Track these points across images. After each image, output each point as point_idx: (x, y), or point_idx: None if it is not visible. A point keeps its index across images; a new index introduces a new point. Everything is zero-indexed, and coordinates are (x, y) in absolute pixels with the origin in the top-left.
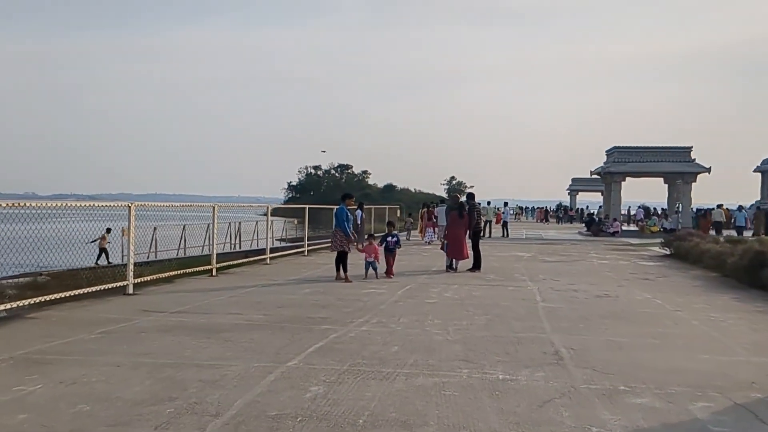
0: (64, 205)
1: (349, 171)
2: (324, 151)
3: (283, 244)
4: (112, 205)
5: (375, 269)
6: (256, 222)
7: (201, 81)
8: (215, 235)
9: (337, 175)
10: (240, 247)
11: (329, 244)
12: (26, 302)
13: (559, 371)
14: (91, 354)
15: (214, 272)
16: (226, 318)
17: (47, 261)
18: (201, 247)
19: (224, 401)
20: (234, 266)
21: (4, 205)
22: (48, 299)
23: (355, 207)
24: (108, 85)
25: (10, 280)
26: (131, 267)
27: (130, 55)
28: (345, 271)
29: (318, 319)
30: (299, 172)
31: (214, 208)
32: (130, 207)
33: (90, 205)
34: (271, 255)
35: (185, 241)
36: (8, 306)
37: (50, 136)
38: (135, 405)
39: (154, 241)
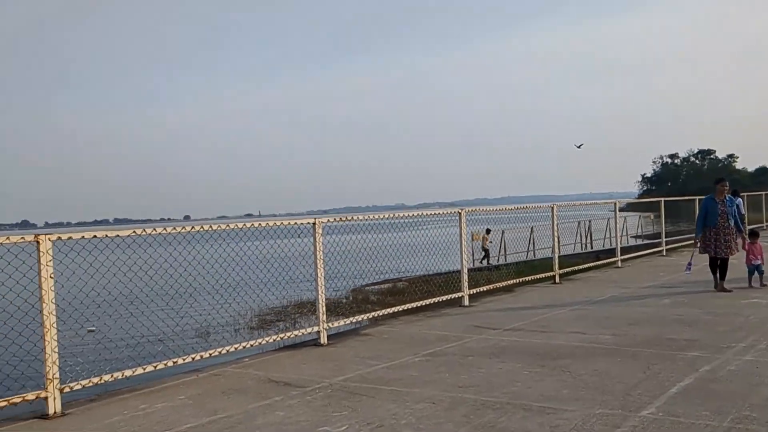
0: (424, 214)
1: (712, 156)
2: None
3: (639, 242)
4: (443, 212)
5: (761, 273)
6: (608, 219)
7: (537, 78)
8: (556, 238)
9: (697, 162)
10: (592, 247)
11: (695, 243)
12: (361, 318)
13: None
14: (410, 384)
15: (557, 279)
16: (565, 338)
17: (410, 266)
18: (549, 249)
19: None
20: (580, 271)
21: (380, 216)
22: (383, 313)
23: (728, 193)
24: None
25: (374, 287)
26: (465, 277)
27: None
28: (722, 278)
29: (682, 342)
30: (653, 162)
31: (552, 208)
32: (460, 213)
33: (431, 214)
34: (623, 257)
35: (533, 243)
36: (343, 322)
37: (421, 149)
38: None
39: (503, 244)
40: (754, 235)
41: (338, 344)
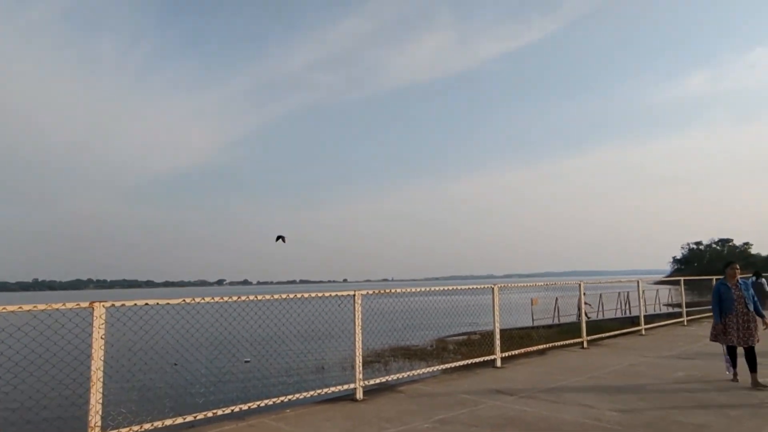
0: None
1: (730, 244)
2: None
3: (670, 309)
4: (477, 287)
5: None
6: (642, 291)
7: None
8: (583, 308)
9: (718, 248)
10: (630, 313)
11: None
12: (396, 377)
13: None
14: None
15: (584, 344)
16: (572, 411)
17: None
18: (594, 313)
19: None
20: (607, 338)
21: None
22: (418, 373)
23: (750, 276)
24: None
25: (453, 337)
26: (497, 341)
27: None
28: (753, 370)
29: (690, 427)
30: (682, 248)
31: (580, 285)
32: (493, 288)
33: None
34: (648, 326)
35: (558, 310)
36: (378, 380)
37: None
38: None
39: (557, 310)
40: None
41: (371, 400)
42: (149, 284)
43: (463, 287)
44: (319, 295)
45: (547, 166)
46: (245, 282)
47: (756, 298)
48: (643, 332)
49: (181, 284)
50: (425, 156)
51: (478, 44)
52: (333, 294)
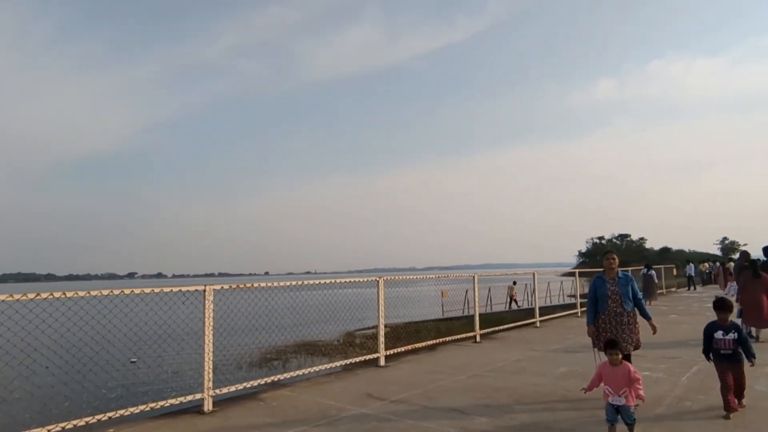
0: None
1: (628, 239)
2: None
3: (571, 300)
4: (361, 280)
5: (628, 424)
6: (548, 283)
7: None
8: (477, 300)
9: (618, 242)
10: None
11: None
12: (257, 382)
13: None
14: None
15: (477, 338)
16: (439, 418)
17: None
18: (488, 306)
19: None
20: (501, 330)
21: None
22: (289, 376)
23: (641, 268)
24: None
25: (363, 331)
26: (381, 338)
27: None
28: None
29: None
30: (587, 242)
31: (474, 277)
32: (378, 281)
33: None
34: (543, 317)
35: (490, 300)
36: (234, 388)
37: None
38: None
39: (466, 300)
40: (610, 345)
41: (221, 412)
42: (49, 278)
43: (345, 280)
44: (165, 290)
45: (467, 162)
46: (159, 275)
47: (640, 295)
48: (538, 324)
49: (87, 278)
50: (349, 149)
51: (405, 41)
52: (177, 290)
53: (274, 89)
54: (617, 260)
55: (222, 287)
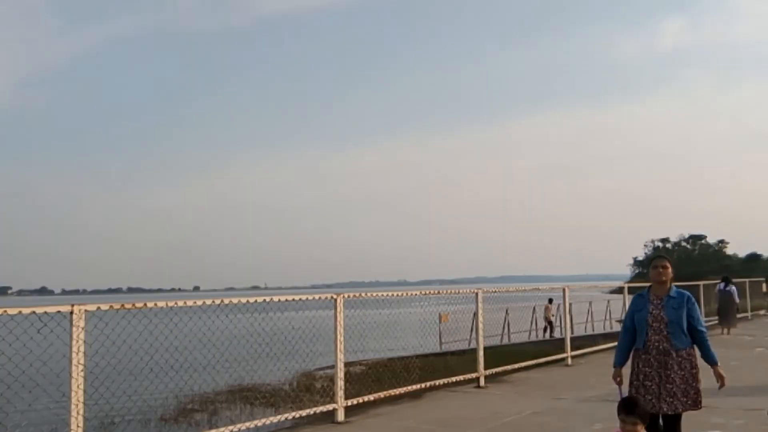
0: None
1: (703, 241)
2: None
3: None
4: (314, 297)
5: None
6: (590, 302)
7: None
8: (481, 326)
9: (688, 246)
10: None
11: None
12: None
13: None
14: None
15: (481, 382)
16: None
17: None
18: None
19: None
20: (517, 370)
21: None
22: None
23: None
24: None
25: (325, 371)
26: (340, 383)
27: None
28: None
29: None
30: (645, 246)
31: (477, 293)
32: (336, 299)
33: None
34: (577, 352)
35: (509, 326)
36: None
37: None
38: None
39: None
40: (626, 408)
41: None
42: None
43: (289, 298)
44: (9, 312)
45: (467, 136)
46: (43, 290)
47: (703, 326)
48: (569, 361)
49: None
50: (310, 112)
51: None
52: (30, 311)
53: (199, 27)
54: (670, 270)
55: (99, 307)
